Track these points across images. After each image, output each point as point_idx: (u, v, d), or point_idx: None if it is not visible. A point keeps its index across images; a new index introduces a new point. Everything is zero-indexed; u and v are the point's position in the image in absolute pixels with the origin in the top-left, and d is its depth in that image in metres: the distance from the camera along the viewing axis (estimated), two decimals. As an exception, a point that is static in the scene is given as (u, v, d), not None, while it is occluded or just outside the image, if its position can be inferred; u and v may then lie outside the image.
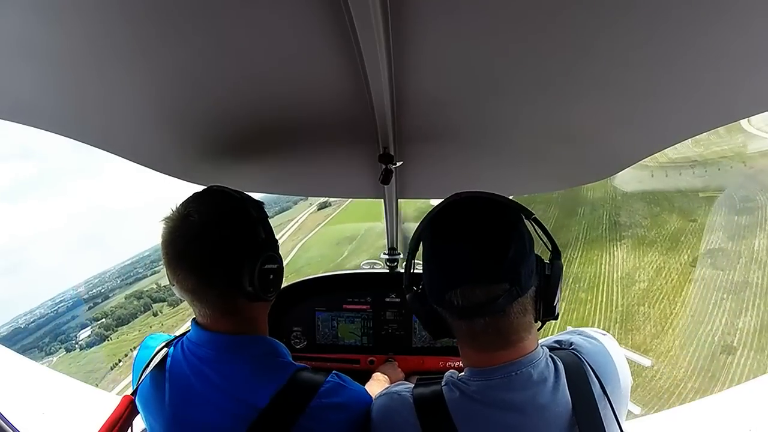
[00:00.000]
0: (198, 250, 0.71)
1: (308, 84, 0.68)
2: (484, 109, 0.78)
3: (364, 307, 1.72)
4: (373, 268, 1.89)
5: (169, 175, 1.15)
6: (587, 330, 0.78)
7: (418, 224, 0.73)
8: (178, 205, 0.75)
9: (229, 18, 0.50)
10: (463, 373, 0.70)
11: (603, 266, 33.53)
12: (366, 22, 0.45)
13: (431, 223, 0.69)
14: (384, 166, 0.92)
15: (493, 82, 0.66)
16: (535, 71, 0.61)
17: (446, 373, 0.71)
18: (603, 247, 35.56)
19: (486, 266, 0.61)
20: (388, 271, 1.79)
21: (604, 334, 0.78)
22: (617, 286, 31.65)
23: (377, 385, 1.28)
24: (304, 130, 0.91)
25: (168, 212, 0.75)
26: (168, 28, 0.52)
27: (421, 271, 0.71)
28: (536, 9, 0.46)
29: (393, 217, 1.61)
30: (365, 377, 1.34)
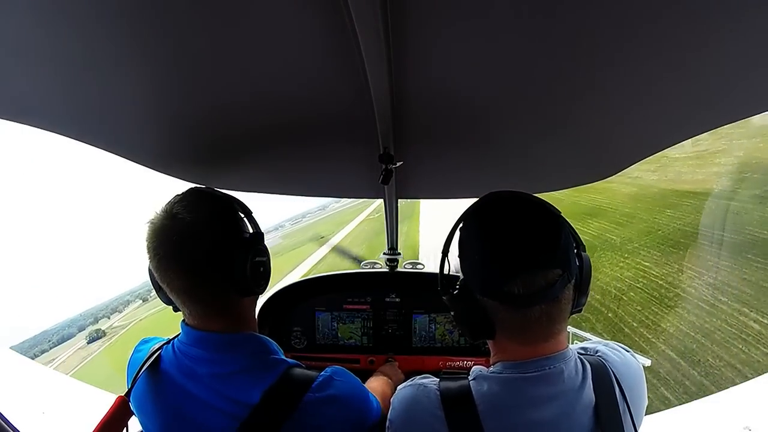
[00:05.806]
0: (191, 249, 0.71)
1: (308, 84, 0.68)
2: (485, 109, 0.78)
3: (364, 307, 1.72)
4: (373, 268, 1.89)
5: (169, 175, 1.15)
6: (611, 343, 0.81)
7: (454, 224, 0.75)
8: (162, 207, 0.75)
9: (228, 18, 0.50)
10: (492, 367, 0.70)
11: None
12: (366, 22, 0.45)
13: (477, 218, 0.71)
14: (384, 166, 0.92)
15: (493, 82, 0.66)
16: (535, 71, 0.61)
17: (474, 368, 0.71)
18: None
19: (542, 253, 0.63)
20: (388, 271, 1.80)
21: (627, 350, 0.81)
22: None
23: (376, 381, 1.29)
24: (304, 130, 0.91)
25: (151, 215, 0.74)
26: (167, 28, 0.52)
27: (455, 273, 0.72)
28: (537, 10, 0.46)
29: (393, 217, 1.61)
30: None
